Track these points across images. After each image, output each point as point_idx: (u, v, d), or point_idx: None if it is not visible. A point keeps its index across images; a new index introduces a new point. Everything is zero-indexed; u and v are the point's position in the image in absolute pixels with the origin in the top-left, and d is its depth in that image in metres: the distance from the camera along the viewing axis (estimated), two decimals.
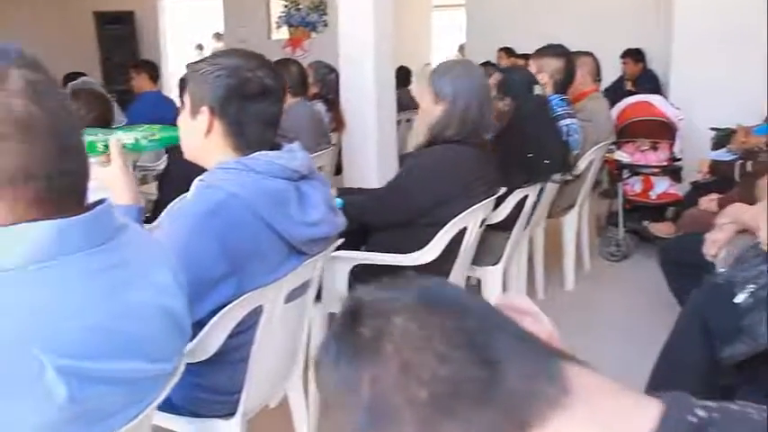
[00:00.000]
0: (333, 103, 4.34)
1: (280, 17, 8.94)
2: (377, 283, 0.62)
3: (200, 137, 1.51)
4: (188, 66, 1.60)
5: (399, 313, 0.57)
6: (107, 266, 0.87)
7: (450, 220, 2.16)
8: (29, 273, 0.79)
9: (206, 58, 1.57)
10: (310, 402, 1.97)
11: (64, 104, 0.87)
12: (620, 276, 4.00)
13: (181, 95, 3.03)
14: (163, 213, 2.54)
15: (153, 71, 5.45)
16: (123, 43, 9.99)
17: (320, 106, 4.34)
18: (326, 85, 4.49)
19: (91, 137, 1.50)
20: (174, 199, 2.53)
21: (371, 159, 4.17)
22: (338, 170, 4.35)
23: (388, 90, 4.25)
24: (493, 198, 2.36)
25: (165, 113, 5.38)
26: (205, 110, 1.49)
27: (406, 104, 5.49)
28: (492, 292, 2.78)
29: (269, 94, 1.50)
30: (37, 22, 10.34)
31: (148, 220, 2.46)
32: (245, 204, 1.40)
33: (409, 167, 2.34)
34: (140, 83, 5.45)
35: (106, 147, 1.52)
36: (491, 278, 2.79)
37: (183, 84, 3.02)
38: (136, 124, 4.82)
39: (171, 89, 9.20)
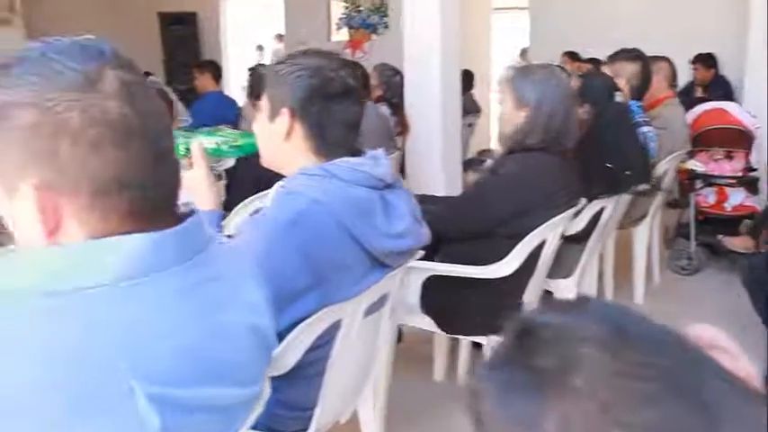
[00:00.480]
0: (397, 106, 4.28)
1: (340, 19, 8.93)
2: (546, 305, 0.54)
3: (280, 141, 1.45)
4: (267, 67, 1.56)
5: (588, 343, 0.48)
6: (199, 283, 0.82)
7: (529, 232, 2.07)
8: (121, 289, 0.74)
9: (285, 58, 1.51)
10: (378, 417, 1.91)
11: (157, 107, 0.81)
12: (692, 291, 3.83)
13: (252, 97, 3.02)
14: (231, 217, 2.52)
15: (216, 71, 5.50)
16: (186, 43, 10.15)
17: (385, 109, 4.29)
18: (391, 87, 4.44)
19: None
20: (241, 201, 2.51)
21: (436, 164, 4.10)
22: (401, 174, 4.29)
23: (454, 93, 4.17)
24: (573, 209, 2.26)
25: (227, 113, 5.43)
26: (285, 112, 1.43)
27: (469, 108, 5.42)
28: None
29: (351, 94, 1.44)
30: (105, 22, 10.58)
31: None
32: (329, 213, 1.34)
33: (489, 176, 2.25)
34: (204, 82, 5.50)
35: (187, 149, 1.48)
36: (563, 292, 2.69)
37: (253, 85, 3.00)
38: (209, 126, 4.87)
39: (231, 89, 9.31)
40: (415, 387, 2.69)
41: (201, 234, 0.84)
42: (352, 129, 1.46)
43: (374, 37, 8.68)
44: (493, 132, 9.32)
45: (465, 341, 2.69)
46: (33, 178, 0.73)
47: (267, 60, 10.87)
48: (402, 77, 4.31)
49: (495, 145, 8.71)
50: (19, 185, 0.74)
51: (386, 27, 8.55)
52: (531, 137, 2.16)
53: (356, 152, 1.49)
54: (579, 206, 2.34)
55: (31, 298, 0.72)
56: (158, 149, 0.79)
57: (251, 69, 5.62)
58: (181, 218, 0.83)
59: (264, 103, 1.49)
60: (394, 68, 4.55)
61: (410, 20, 4.11)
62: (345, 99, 1.42)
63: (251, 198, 2.43)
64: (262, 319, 0.95)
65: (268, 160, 1.53)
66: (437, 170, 4.09)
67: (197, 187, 1.50)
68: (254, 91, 2.92)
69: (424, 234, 1.53)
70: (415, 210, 1.51)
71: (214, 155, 1.57)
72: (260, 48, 11.33)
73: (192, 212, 0.84)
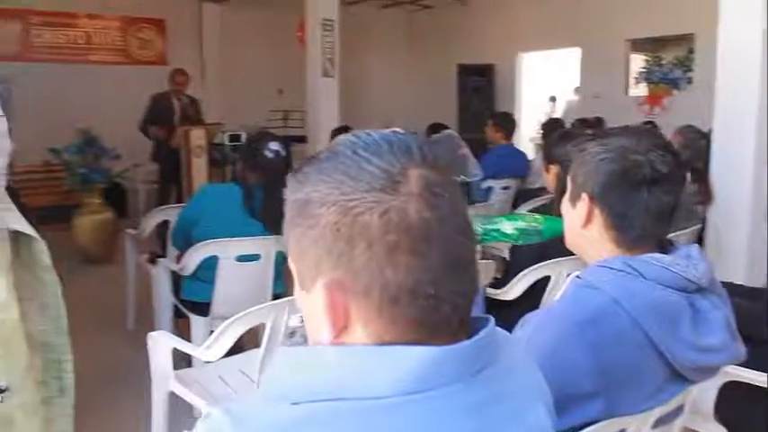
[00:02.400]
0: (700, 172, 3.92)
1: (639, 73, 8.55)
2: None
3: (578, 226, 1.34)
4: (573, 145, 1.46)
5: None
6: (482, 402, 0.74)
7: None
8: (395, 403, 0.69)
9: (594, 136, 1.41)
10: None
11: (460, 210, 0.76)
12: None
13: (544, 160, 2.96)
14: (510, 286, 2.47)
15: (509, 129, 5.52)
16: (481, 94, 10.48)
17: (686, 176, 3.95)
18: (695, 152, 4.09)
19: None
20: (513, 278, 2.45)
21: (741, 240, 3.66)
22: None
23: None
24: None
25: (516, 166, 5.44)
26: (585, 197, 1.33)
27: None
28: None
29: (661, 181, 1.27)
30: (408, 72, 11.43)
31: None
32: (630, 315, 1.19)
33: None
34: (494, 135, 5.58)
35: (486, 236, 1.47)
36: None
37: (545, 146, 2.93)
38: (499, 177, 4.90)
39: (522, 139, 9.38)
40: None
41: (492, 347, 0.77)
42: (660, 220, 1.29)
43: (675, 92, 8.15)
44: None
45: None
46: (326, 277, 0.73)
47: (559, 112, 10.78)
48: (708, 141, 3.94)
49: None
50: (314, 282, 0.74)
51: (689, 82, 7.99)
52: None
53: (664, 245, 1.33)
54: None
55: (311, 403, 0.70)
56: (457, 257, 0.74)
57: (544, 125, 5.57)
58: (473, 327, 0.77)
59: (569, 183, 1.40)
60: (699, 131, 4.18)
61: (723, 74, 3.74)
62: (653, 187, 1.27)
63: (530, 269, 2.36)
64: None
65: (569, 242, 1.43)
66: (742, 248, 3.66)
67: None
68: (546, 154, 2.84)
69: (740, 351, 1.31)
70: (730, 321, 1.29)
71: (516, 239, 1.53)
72: (553, 99, 11.27)
73: (486, 321, 0.79)
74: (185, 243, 3.06)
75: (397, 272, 0.70)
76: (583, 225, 1.33)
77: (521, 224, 1.47)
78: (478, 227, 1.47)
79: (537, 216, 1.49)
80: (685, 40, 7.85)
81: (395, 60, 11.43)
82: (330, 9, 7.33)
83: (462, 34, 10.63)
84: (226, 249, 2.92)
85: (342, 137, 0.77)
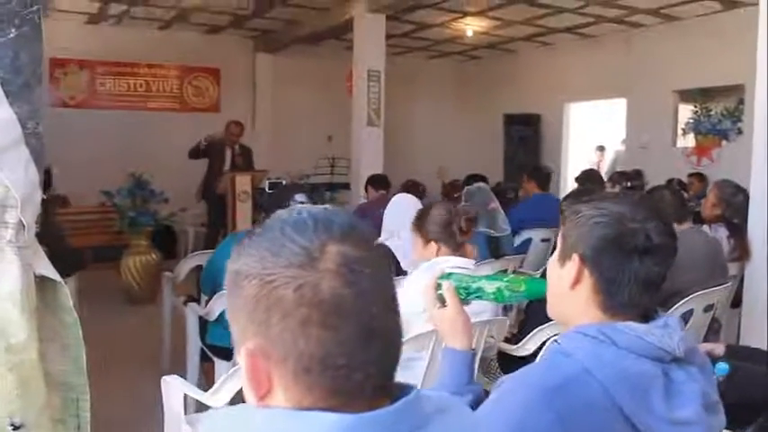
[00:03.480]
0: (738, 228, 3.85)
1: (687, 123, 8.43)
2: None
3: (566, 287, 1.32)
4: (568, 205, 1.46)
5: None
6: None
7: None
8: None
9: (592, 198, 1.41)
10: None
11: (382, 283, 0.80)
12: None
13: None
14: (524, 342, 2.47)
15: (541, 180, 5.54)
16: (527, 143, 10.47)
17: (722, 231, 3.88)
18: (732, 207, 4.01)
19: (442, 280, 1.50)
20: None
21: None
22: (735, 304, 3.80)
23: None
24: None
25: (550, 214, 5.41)
26: (576, 258, 1.31)
27: None
28: None
29: (653, 251, 1.25)
30: (455, 123, 11.52)
31: None
32: (601, 385, 1.17)
33: None
34: (529, 187, 5.61)
35: (468, 292, 1.49)
36: None
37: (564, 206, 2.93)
38: (529, 227, 4.90)
39: (568, 190, 9.29)
40: None
41: (417, 413, 0.80)
42: (647, 289, 1.27)
43: (724, 143, 8.00)
44: None
45: None
46: (251, 343, 0.77)
47: (607, 163, 10.68)
48: (746, 196, 3.87)
49: None
50: (240, 348, 0.79)
51: (739, 133, 7.83)
52: None
53: (648, 314, 1.31)
54: None
55: None
56: (372, 330, 0.77)
57: (577, 178, 5.54)
58: (398, 394, 0.79)
59: (559, 241, 1.38)
60: (737, 186, 4.10)
61: (760, 128, 3.67)
62: (644, 256, 1.25)
63: (545, 325, 2.36)
64: None
65: (551, 307, 1.40)
66: None
67: (444, 326, 1.49)
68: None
69: (717, 424, 1.26)
70: (709, 393, 1.25)
71: (495, 300, 1.55)
72: (601, 148, 11.16)
73: (408, 389, 0.81)
74: (213, 289, 3.14)
75: (309, 343, 0.74)
76: (571, 286, 1.31)
77: (501, 284, 1.48)
78: (460, 287, 1.49)
79: (518, 277, 1.50)
80: (735, 90, 7.72)
81: (441, 110, 11.54)
82: (376, 60, 7.52)
83: (509, 84, 10.69)
84: None
85: (279, 212, 0.82)
